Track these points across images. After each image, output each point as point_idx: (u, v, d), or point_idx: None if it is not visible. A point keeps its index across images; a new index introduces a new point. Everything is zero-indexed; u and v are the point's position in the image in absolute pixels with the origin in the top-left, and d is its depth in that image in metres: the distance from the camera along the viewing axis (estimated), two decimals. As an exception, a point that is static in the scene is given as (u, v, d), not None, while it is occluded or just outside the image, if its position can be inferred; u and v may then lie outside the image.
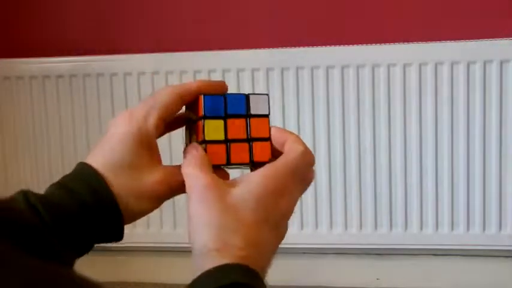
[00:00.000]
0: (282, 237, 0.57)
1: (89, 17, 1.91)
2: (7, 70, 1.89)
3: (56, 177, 0.59)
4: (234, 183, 0.55)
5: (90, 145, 1.86)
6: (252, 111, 0.59)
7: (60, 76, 1.86)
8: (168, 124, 0.61)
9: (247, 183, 0.55)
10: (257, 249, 0.53)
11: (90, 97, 1.86)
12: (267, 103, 0.60)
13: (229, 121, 0.58)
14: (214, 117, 0.58)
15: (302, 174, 0.57)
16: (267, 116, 0.59)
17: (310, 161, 0.58)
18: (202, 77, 1.78)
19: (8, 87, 1.89)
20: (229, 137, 0.58)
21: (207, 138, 0.57)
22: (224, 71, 1.77)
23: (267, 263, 0.55)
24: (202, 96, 0.58)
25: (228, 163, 0.58)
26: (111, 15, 1.90)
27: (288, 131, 0.60)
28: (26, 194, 0.54)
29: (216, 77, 1.77)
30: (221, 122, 0.58)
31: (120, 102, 1.83)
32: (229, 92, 0.60)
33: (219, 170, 0.58)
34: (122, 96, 1.83)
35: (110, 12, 1.90)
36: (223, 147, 0.58)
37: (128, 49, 1.85)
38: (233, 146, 0.58)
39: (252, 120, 0.59)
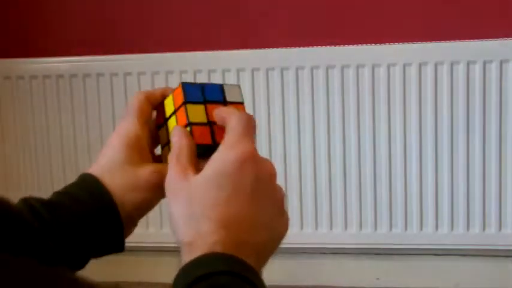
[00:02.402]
0: (272, 201, 0.55)
1: (89, 17, 1.91)
2: (7, 70, 1.89)
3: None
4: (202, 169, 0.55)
5: (90, 145, 1.86)
6: (228, 99, 0.63)
7: (60, 76, 1.86)
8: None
9: (210, 164, 0.54)
10: (233, 224, 0.52)
11: (90, 97, 1.86)
12: (240, 92, 0.65)
13: (209, 106, 0.62)
14: (194, 102, 0.61)
15: (250, 129, 0.57)
16: (242, 103, 0.64)
17: (248, 117, 0.58)
18: (203, 77, 1.78)
19: (8, 87, 1.89)
20: (211, 119, 0.61)
21: (191, 121, 0.60)
22: (224, 71, 1.77)
23: (256, 235, 0.53)
24: (182, 84, 0.62)
25: (214, 143, 0.59)
26: (112, 15, 1.90)
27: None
28: (25, 199, 0.57)
29: (216, 77, 1.77)
30: (202, 107, 0.61)
31: (120, 102, 1.83)
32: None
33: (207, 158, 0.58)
34: (122, 96, 1.83)
35: (110, 12, 1.90)
36: (207, 128, 0.60)
37: (128, 49, 1.85)
38: (215, 127, 0.61)
39: (229, 106, 0.63)
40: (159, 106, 0.65)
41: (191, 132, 0.59)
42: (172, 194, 0.55)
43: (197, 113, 0.61)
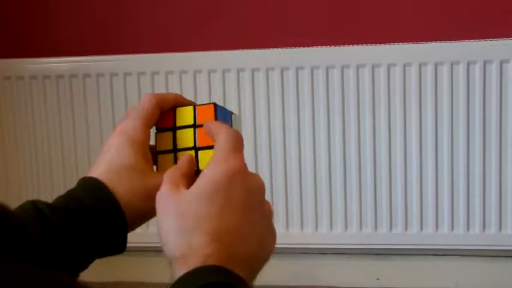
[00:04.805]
0: (261, 215, 0.55)
1: (89, 17, 1.91)
2: (7, 70, 1.89)
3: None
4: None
5: (90, 145, 1.86)
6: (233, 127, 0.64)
7: (60, 76, 1.86)
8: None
9: (200, 179, 0.55)
10: (225, 237, 0.52)
11: (90, 97, 1.86)
12: (241, 123, 0.66)
13: None
14: None
15: (238, 145, 0.57)
16: None
17: (237, 133, 0.58)
18: (202, 77, 1.78)
19: (8, 87, 1.89)
20: None
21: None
22: (224, 71, 1.77)
23: (246, 247, 0.53)
24: (214, 104, 0.62)
25: None
26: (112, 15, 1.90)
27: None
28: (33, 202, 0.57)
29: (216, 77, 1.77)
30: None
31: (120, 102, 1.83)
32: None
33: None
34: (122, 96, 1.83)
35: (110, 12, 1.90)
36: None
37: (128, 49, 1.85)
38: None
39: None
40: (168, 111, 0.64)
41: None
42: (162, 209, 0.54)
43: None
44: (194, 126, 0.62)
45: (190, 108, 0.63)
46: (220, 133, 0.58)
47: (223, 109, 0.63)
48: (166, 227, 0.53)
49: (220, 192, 0.53)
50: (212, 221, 0.52)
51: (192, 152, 0.61)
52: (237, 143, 0.57)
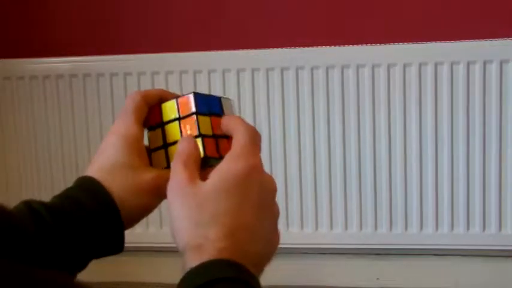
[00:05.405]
0: (271, 215, 0.56)
1: (89, 17, 1.91)
2: (7, 70, 1.89)
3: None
4: (209, 177, 0.56)
5: (90, 145, 1.86)
6: (225, 113, 0.64)
7: (60, 76, 1.86)
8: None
9: (217, 172, 0.55)
10: (241, 234, 0.53)
11: (90, 97, 1.86)
12: (233, 106, 0.65)
13: (213, 119, 0.62)
14: (203, 113, 0.62)
15: (257, 142, 0.58)
16: None
17: (254, 130, 0.59)
18: (202, 77, 1.78)
19: (8, 87, 1.89)
20: (215, 132, 0.62)
21: (202, 132, 0.61)
22: (224, 71, 1.77)
23: (256, 245, 0.53)
24: (194, 93, 0.62)
25: (220, 156, 0.60)
26: (111, 15, 1.90)
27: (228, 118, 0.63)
28: (27, 202, 0.57)
29: (216, 77, 1.77)
30: (208, 119, 0.62)
31: (120, 102, 1.83)
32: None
33: (210, 167, 0.59)
34: (122, 96, 1.83)
35: (110, 12, 1.90)
36: (213, 141, 0.61)
37: (128, 49, 1.85)
38: (219, 140, 0.61)
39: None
40: (154, 108, 0.65)
41: (203, 144, 0.60)
42: (179, 198, 0.55)
43: (205, 124, 0.61)
44: (179, 118, 0.62)
45: (173, 101, 0.63)
46: (238, 129, 0.58)
47: (208, 96, 0.63)
48: (183, 216, 0.54)
49: (238, 187, 0.54)
50: (230, 216, 0.53)
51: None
52: (255, 139, 0.58)
